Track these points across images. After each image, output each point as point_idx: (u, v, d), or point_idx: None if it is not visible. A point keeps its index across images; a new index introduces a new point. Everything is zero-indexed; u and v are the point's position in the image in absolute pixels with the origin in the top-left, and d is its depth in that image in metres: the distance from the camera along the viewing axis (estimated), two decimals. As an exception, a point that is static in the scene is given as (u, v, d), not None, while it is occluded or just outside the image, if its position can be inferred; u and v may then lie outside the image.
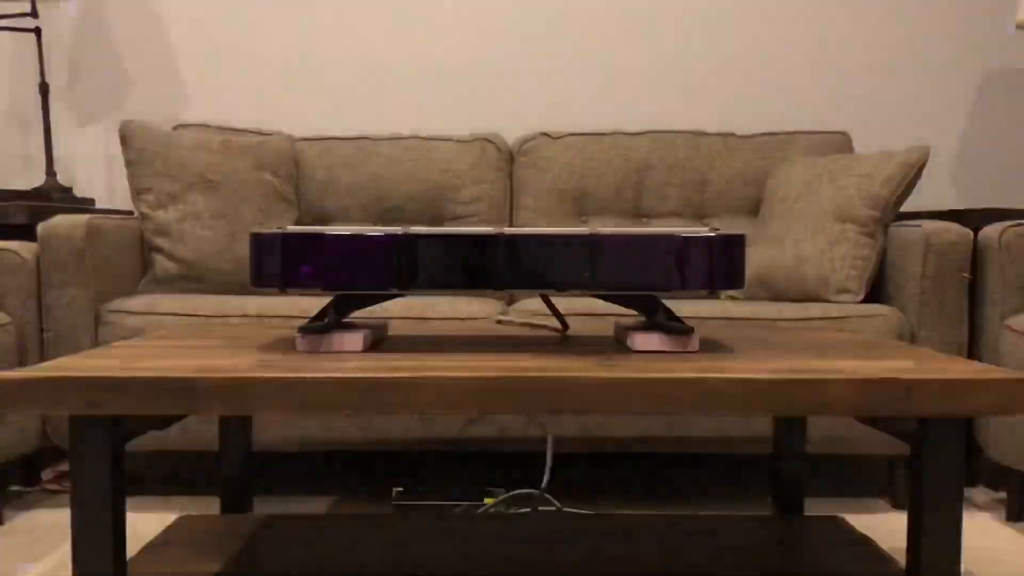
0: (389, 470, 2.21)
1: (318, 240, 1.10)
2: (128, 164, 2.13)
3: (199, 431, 1.85)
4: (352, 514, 1.52)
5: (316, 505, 1.94)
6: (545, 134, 2.44)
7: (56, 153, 2.63)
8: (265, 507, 1.93)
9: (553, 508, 1.87)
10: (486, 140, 2.42)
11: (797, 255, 2.04)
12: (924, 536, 1.07)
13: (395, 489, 1.89)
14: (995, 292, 1.89)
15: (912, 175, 2.00)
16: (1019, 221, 1.88)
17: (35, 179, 2.66)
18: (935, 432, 1.06)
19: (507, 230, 1.10)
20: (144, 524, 1.81)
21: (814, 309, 1.88)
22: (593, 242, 1.09)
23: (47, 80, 2.57)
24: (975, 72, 2.61)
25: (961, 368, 1.04)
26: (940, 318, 1.87)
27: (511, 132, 2.60)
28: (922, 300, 1.88)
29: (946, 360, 1.12)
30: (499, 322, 1.47)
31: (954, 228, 1.88)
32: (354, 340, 1.15)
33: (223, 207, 2.14)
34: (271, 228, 1.97)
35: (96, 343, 1.89)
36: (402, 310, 1.87)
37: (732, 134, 2.42)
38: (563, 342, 1.28)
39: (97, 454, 1.04)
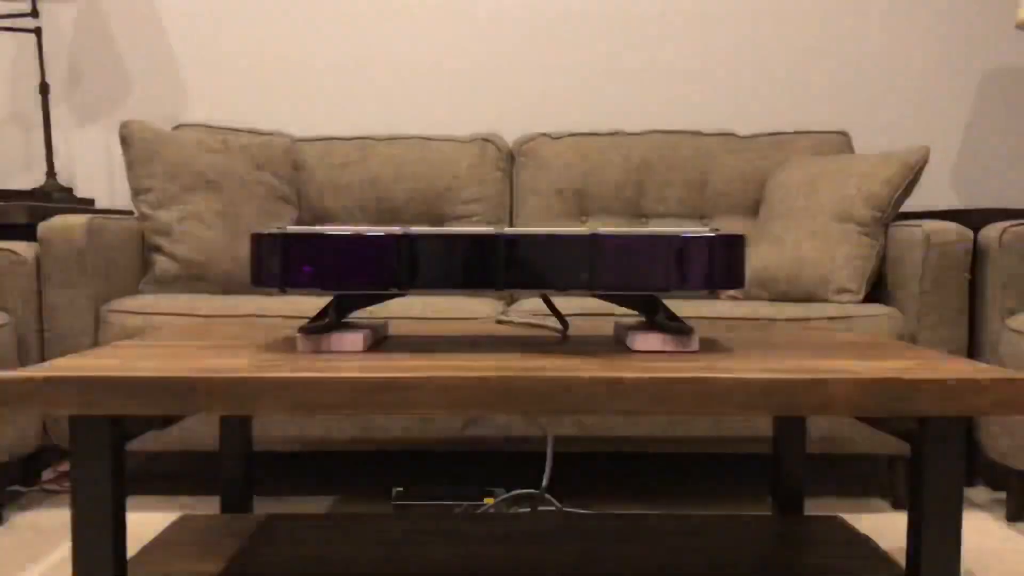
0: (389, 470, 2.21)
1: (318, 240, 1.10)
2: (128, 164, 2.13)
3: (199, 431, 1.85)
4: (352, 514, 1.52)
5: (316, 505, 1.93)
6: (545, 134, 2.44)
7: (56, 153, 2.63)
8: (265, 507, 1.93)
9: (553, 508, 1.87)
10: (486, 140, 2.42)
11: (797, 255, 2.04)
12: (924, 536, 1.07)
13: (395, 489, 1.89)
14: (995, 292, 1.89)
15: (912, 175, 2.00)
16: (1019, 221, 1.88)
17: (35, 179, 2.66)
18: (935, 432, 1.06)
19: (507, 230, 1.10)
20: (144, 524, 1.81)
21: (814, 309, 1.88)
22: (593, 242, 1.09)
23: (47, 80, 2.57)
24: (975, 72, 2.61)
25: (961, 368, 1.04)
26: (940, 318, 1.87)
27: (511, 132, 2.60)
28: (922, 300, 1.88)
29: (946, 360, 1.12)
30: (499, 322, 1.47)
31: (954, 228, 1.88)
32: (354, 340, 1.15)
33: (223, 207, 2.14)
34: (271, 228, 1.97)
35: (96, 343, 1.89)
36: (402, 310, 1.87)
37: (732, 134, 2.42)
38: (563, 342, 1.28)
39: (97, 454, 1.04)
